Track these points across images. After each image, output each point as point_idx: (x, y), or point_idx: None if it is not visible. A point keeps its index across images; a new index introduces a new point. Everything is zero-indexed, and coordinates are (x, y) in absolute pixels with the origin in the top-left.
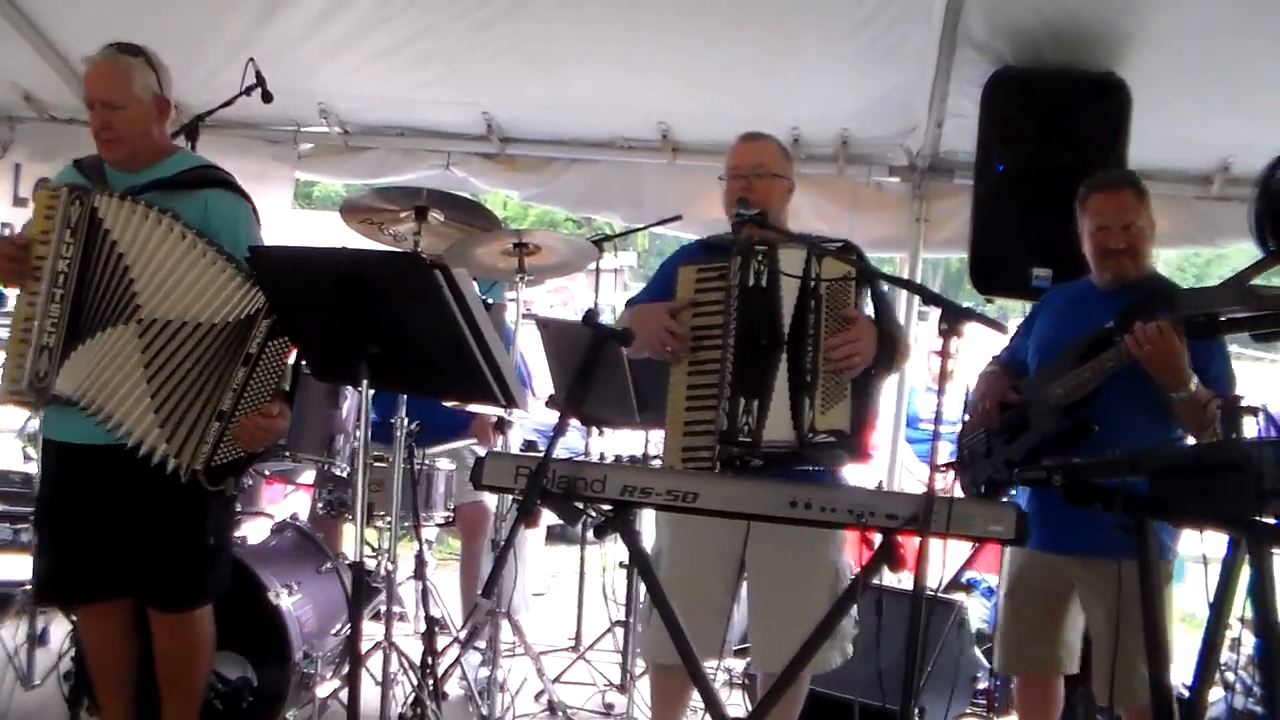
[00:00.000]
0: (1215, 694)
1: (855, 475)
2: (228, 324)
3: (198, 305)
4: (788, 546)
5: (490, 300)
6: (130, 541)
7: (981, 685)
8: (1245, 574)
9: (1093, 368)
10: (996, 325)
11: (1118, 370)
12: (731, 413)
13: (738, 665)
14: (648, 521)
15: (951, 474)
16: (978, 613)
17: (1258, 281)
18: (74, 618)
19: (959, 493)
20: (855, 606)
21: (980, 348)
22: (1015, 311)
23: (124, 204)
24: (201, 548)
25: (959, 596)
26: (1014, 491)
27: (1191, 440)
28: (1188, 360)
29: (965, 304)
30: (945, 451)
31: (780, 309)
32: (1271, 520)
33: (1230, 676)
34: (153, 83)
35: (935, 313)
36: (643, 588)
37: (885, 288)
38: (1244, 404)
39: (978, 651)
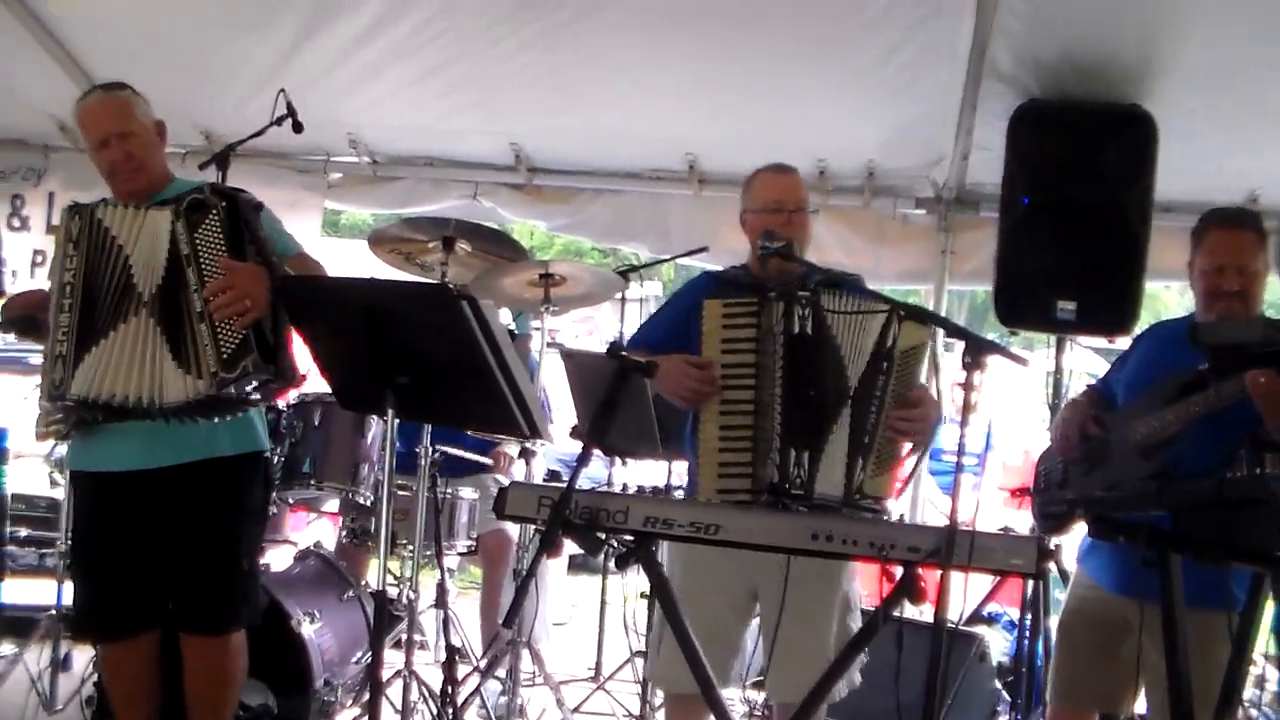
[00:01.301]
0: None
1: None
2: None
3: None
4: (800, 575)
5: (515, 330)
6: (166, 564)
7: (1002, 719)
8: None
9: (1178, 411)
10: (1019, 359)
11: (1203, 415)
12: (783, 464)
13: (758, 697)
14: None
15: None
16: (999, 646)
17: None
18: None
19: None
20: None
21: (1003, 381)
22: (1040, 344)
23: (130, 211)
24: (237, 569)
25: (980, 629)
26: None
27: None
28: None
29: (990, 336)
30: (968, 484)
31: (843, 362)
32: None
33: (1254, 714)
34: (148, 110)
35: (959, 345)
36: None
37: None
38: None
39: (999, 685)
